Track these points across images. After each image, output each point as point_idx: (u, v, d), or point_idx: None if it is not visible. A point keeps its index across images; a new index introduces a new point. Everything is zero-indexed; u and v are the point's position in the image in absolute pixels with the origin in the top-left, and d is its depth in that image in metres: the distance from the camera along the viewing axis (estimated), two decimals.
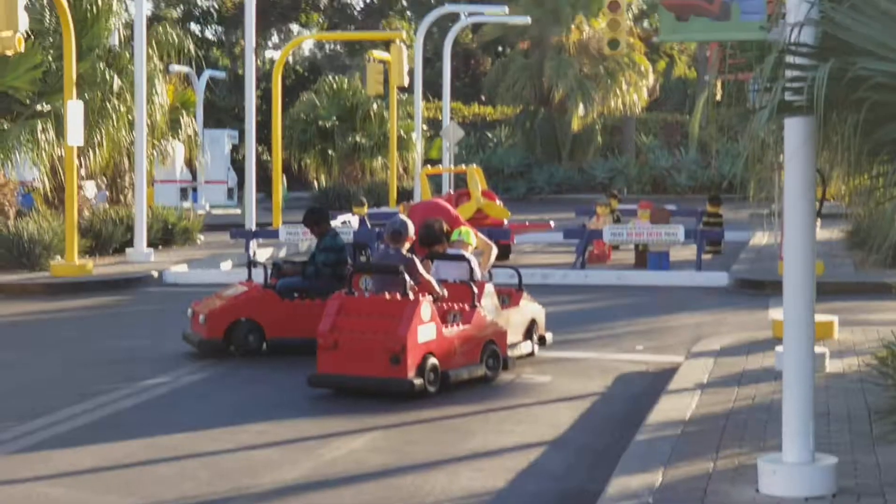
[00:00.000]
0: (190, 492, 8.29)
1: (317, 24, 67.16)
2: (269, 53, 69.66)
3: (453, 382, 11.58)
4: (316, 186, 46.35)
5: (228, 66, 63.64)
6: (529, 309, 13.43)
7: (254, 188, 27.48)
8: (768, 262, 21.65)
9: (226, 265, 23.70)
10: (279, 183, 30.33)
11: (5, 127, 23.08)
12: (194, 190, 44.72)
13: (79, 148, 22.59)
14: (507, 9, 44.81)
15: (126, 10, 28.72)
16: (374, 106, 44.17)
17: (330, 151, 44.70)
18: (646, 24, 59.07)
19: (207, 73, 48.04)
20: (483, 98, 60.38)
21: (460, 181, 36.19)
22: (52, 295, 19.68)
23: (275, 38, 70.48)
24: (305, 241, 24.77)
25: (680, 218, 26.19)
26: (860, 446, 8.53)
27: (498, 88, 53.89)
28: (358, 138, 43.89)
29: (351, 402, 11.25)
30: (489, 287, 12.67)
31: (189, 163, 39.90)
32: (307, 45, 75.41)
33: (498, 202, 26.07)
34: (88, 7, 25.86)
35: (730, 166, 48.77)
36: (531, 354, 13.18)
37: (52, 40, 25.24)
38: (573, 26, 52.14)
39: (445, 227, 13.11)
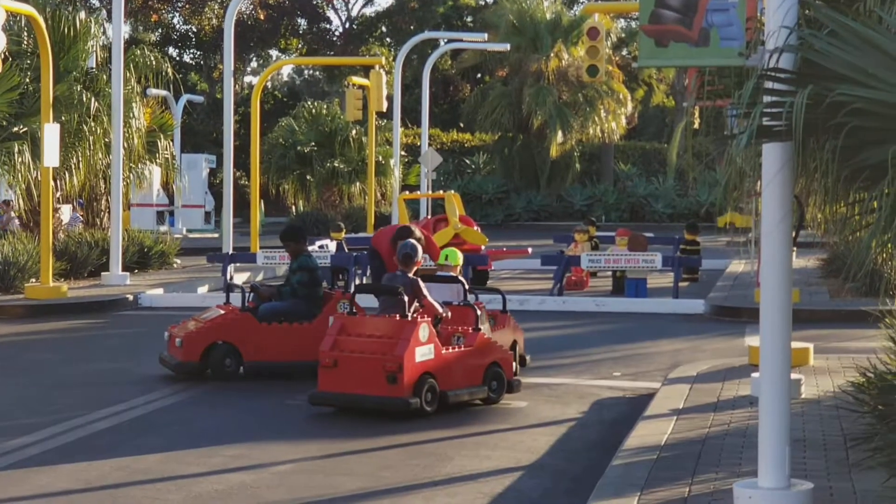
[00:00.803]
0: None
1: (296, 49, 67.22)
2: (247, 78, 69.72)
3: (452, 403, 11.67)
4: (294, 211, 46.30)
5: (207, 91, 63.66)
6: (512, 330, 13.53)
7: (231, 212, 27.42)
8: (745, 289, 21.69)
9: (202, 289, 23.63)
10: (256, 207, 30.29)
11: None
12: (171, 214, 44.62)
13: (55, 170, 22.52)
14: (486, 36, 44.94)
15: (104, 32, 28.68)
16: (353, 132, 44.16)
17: (308, 176, 44.64)
18: (625, 52, 59.30)
19: (185, 97, 48.00)
20: (461, 124, 60.47)
21: (438, 207, 36.20)
22: (26, 317, 19.59)
23: (253, 63, 70.58)
24: (283, 265, 24.72)
25: (657, 245, 26.23)
26: (836, 472, 8.52)
27: (476, 115, 53.98)
28: (336, 164, 43.85)
29: (326, 426, 11.22)
30: (484, 309, 12.81)
31: (166, 186, 39.79)
32: (286, 71, 75.57)
33: (476, 228, 26.04)
34: (66, 29, 25.81)
35: (707, 194, 48.97)
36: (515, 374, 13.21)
37: (29, 62, 25.19)
38: (552, 54, 52.29)
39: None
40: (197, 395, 12.74)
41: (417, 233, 13.65)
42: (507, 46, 45.60)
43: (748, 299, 19.73)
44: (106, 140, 25.28)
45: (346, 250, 24.40)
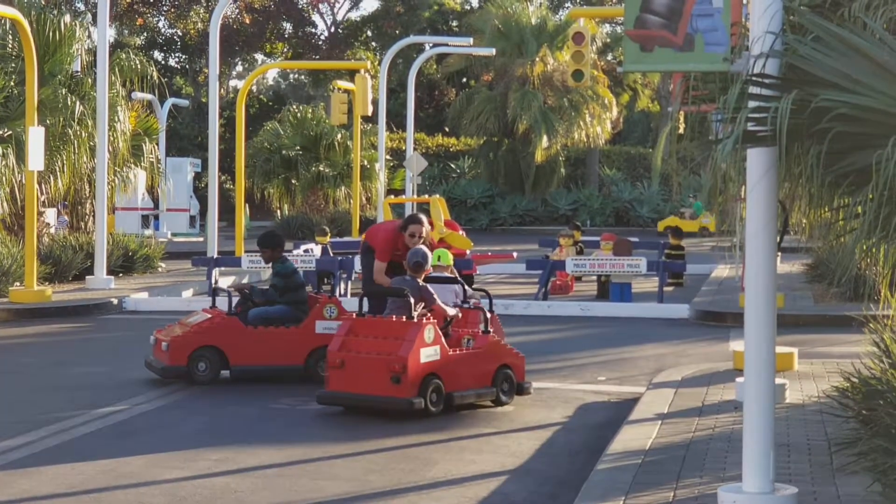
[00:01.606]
0: None
1: (281, 53, 67.20)
2: (233, 82, 69.65)
3: (459, 404, 11.80)
4: (279, 215, 46.27)
5: (192, 94, 63.58)
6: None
7: (216, 216, 27.39)
8: (730, 294, 21.74)
9: (187, 293, 23.60)
10: (242, 211, 30.26)
11: None
12: (156, 217, 44.55)
13: (39, 174, 22.48)
14: (471, 40, 45.02)
15: (89, 36, 28.63)
16: (338, 136, 44.16)
17: (293, 180, 44.63)
18: (610, 57, 59.37)
19: (170, 101, 47.96)
20: (447, 129, 60.49)
21: (423, 211, 36.14)
22: (10, 321, 19.54)
23: (239, 67, 70.49)
24: (268, 269, 24.69)
25: (642, 250, 26.26)
26: (820, 477, 8.54)
27: (462, 119, 54.01)
28: (321, 168, 43.85)
29: (311, 429, 11.21)
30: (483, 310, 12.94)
31: (151, 190, 39.73)
32: (271, 75, 75.47)
33: (461, 232, 26.04)
34: (51, 33, 25.75)
35: (692, 199, 49.04)
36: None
37: (14, 65, 25.13)
38: (537, 58, 52.35)
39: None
40: (181, 398, 12.73)
41: (426, 221, 13.76)
42: (493, 51, 45.68)
43: (733, 304, 19.77)
44: (91, 144, 25.23)
45: (332, 254, 24.39)
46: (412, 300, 11.89)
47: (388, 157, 44.42)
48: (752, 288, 7.61)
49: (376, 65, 52.83)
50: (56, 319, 19.73)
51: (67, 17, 26.61)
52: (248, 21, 63.75)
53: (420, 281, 12.42)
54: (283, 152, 44.35)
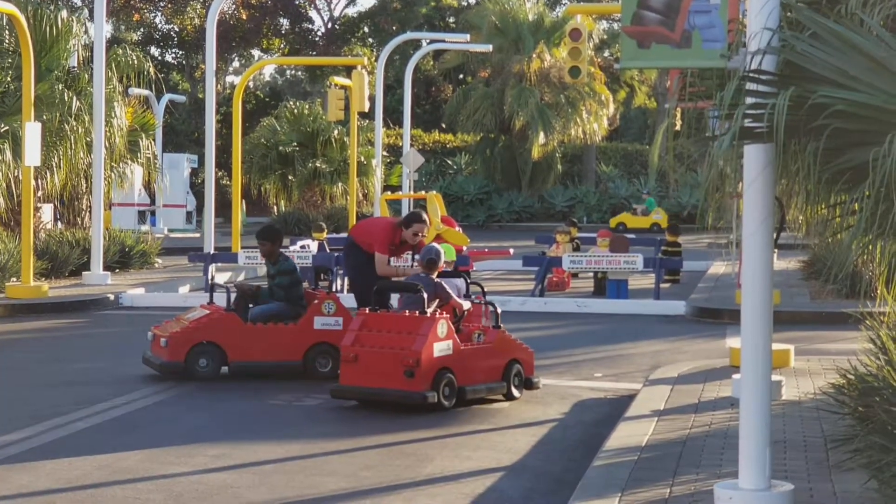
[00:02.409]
0: None
1: (278, 49, 67.16)
2: (229, 78, 69.60)
3: (470, 398, 11.94)
4: (275, 211, 46.25)
5: (189, 90, 63.55)
6: None
7: (213, 212, 27.39)
8: (726, 290, 21.74)
9: (184, 289, 23.59)
10: (238, 207, 30.25)
11: None
12: (152, 213, 44.54)
13: (36, 169, 22.46)
14: (468, 37, 44.93)
15: (86, 31, 28.59)
16: (335, 132, 44.14)
17: (290, 177, 44.61)
18: (607, 53, 59.38)
19: (167, 97, 47.92)
20: (443, 125, 60.49)
21: (420, 208, 36.13)
22: (6, 317, 19.52)
23: (236, 63, 70.50)
24: (263, 265, 24.69)
25: (639, 247, 26.27)
26: (816, 474, 8.55)
27: (458, 116, 53.99)
28: (318, 164, 43.83)
29: (308, 426, 11.22)
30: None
31: (147, 186, 39.73)
32: (268, 71, 75.46)
33: (457, 229, 26.03)
34: (48, 28, 25.72)
35: (689, 196, 49.09)
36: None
37: (10, 61, 25.10)
38: (534, 55, 52.33)
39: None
40: (178, 394, 12.72)
41: (425, 216, 13.86)
42: (490, 47, 45.63)
43: (729, 301, 19.78)
44: (87, 139, 25.21)
45: (328, 250, 24.38)
46: (425, 296, 11.98)
47: (384, 153, 44.41)
48: (748, 284, 7.62)
49: (373, 61, 52.84)
50: (52, 315, 19.72)
51: (64, 13, 26.57)
52: (244, 17, 63.72)
53: (434, 277, 12.52)
54: (280, 148, 44.33)
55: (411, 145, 43.93)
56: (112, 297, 21.38)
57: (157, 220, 43.98)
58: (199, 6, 62.20)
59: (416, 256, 13.87)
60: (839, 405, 9.39)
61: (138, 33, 65.51)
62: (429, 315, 11.88)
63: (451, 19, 66.14)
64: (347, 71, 44.46)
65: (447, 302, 12.29)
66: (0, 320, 19.16)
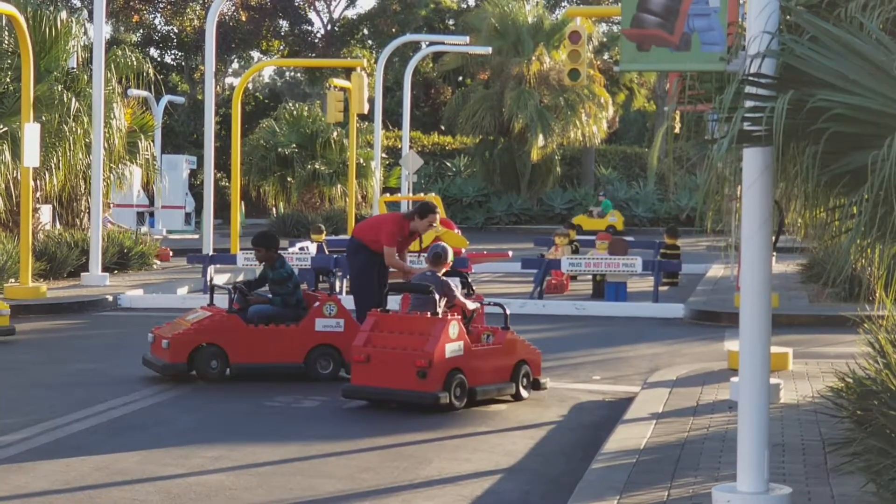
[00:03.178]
0: None
1: (277, 51, 67.17)
2: (229, 79, 69.65)
3: (481, 399, 12.04)
4: (274, 213, 46.25)
5: (188, 92, 63.55)
6: None
7: (211, 214, 27.39)
8: (725, 293, 21.75)
9: (182, 290, 23.59)
10: (237, 209, 30.24)
11: None
12: (151, 215, 44.53)
13: (35, 170, 22.45)
14: (468, 39, 44.98)
15: (85, 32, 28.58)
16: (334, 134, 44.15)
17: (289, 178, 44.62)
18: (606, 56, 59.40)
19: (166, 98, 47.92)
20: (442, 127, 60.50)
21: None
22: None
23: (235, 65, 70.53)
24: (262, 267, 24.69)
25: (638, 249, 26.26)
26: (814, 477, 8.55)
27: (458, 118, 54.00)
28: (317, 166, 43.83)
29: (306, 428, 11.21)
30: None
31: (146, 187, 39.75)
32: (267, 72, 75.52)
33: (456, 231, 26.10)
34: (47, 29, 25.70)
35: (688, 199, 49.11)
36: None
37: (10, 62, 25.08)
38: (534, 57, 52.34)
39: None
40: (176, 396, 12.72)
41: (438, 209, 14.10)
42: (489, 49, 45.67)
43: (728, 304, 19.78)
44: (86, 140, 25.20)
45: (327, 252, 24.37)
46: (437, 297, 12.07)
47: (383, 155, 44.42)
48: (747, 288, 7.61)
49: (372, 63, 52.86)
50: (51, 316, 19.71)
51: (63, 14, 26.55)
52: (244, 18, 63.73)
53: (440, 275, 12.59)
54: (279, 150, 44.34)
55: (410, 147, 43.94)
56: (110, 298, 21.37)
57: (156, 222, 43.97)
58: (198, 7, 62.21)
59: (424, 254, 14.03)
60: (837, 408, 9.39)
61: (138, 34, 65.49)
62: (440, 316, 11.96)
63: (451, 21, 66.16)
64: (347, 73, 44.52)
65: (453, 301, 12.37)
66: None
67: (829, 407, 9.68)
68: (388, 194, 40.70)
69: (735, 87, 7.07)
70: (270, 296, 14.09)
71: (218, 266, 24.89)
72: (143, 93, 36.17)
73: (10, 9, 21.76)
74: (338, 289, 21.94)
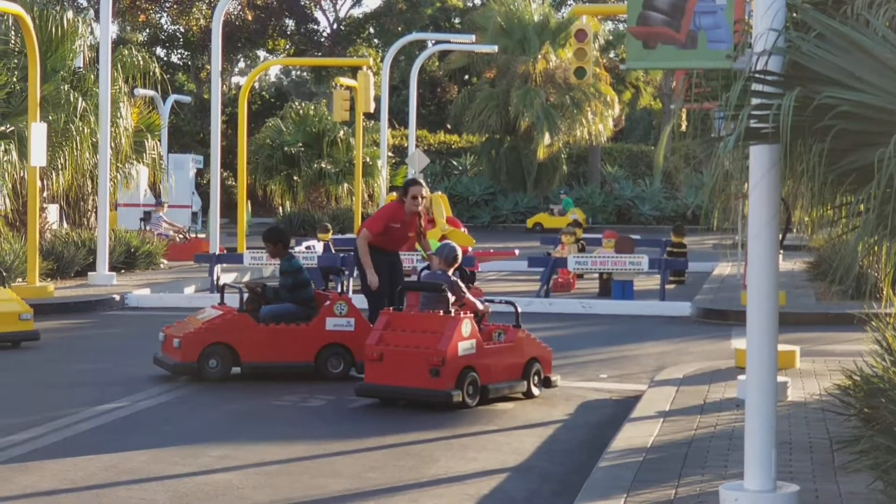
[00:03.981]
0: None
1: (284, 50, 67.18)
2: (235, 79, 69.69)
3: (493, 397, 12.09)
4: (280, 212, 46.27)
5: (194, 91, 63.59)
6: None
7: (218, 213, 27.39)
8: (731, 292, 21.73)
9: (189, 289, 23.60)
10: (243, 208, 30.25)
11: None
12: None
13: (42, 170, 22.47)
14: (473, 37, 44.96)
15: (92, 32, 28.64)
16: (340, 132, 44.15)
17: (295, 177, 44.63)
18: (612, 54, 59.37)
19: (173, 98, 47.94)
20: (449, 126, 60.50)
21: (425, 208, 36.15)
22: None
23: (241, 64, 70.54)
24: (269, 265, 24.73)
25: (644, 248, 26.26)
26: (822, 475, 8.54)
27: (464, 116, 54.01)
28: (323, 164, 43.84)
29: (313, 427, 11.21)
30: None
31: (153, 186, 39.74)
32: (274, 71, 75.51)
33: (462, 229, 26.09)
34: (54, 29, 25.75)
35: (694, 197, 49.09)
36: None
37: (16, 62, 25.12)
38: (540, 56, 52.34)
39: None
40: (184, 395, 12.72)
41: (421, 180, 14.16)
42: (495, 48, 45.64)
43: (735, 302, 19.76)
44: (93, 140, 25.22)
45: (334, 251, 24.38)
46: (450, 296, 12.12)
47: (390, 153, 44.43)
48: (754, 286, 7.60)
49: (378, 62, 52.82)
50: (58, 316, 19.71)
51: (70, 14, 26.61)
52: (250, 18, 63.74)
53: (450, 274, 12.62)
54: (286, 149, 44.35)
55: (416, 146, 43.94)
56: (117, 297, 21.39)
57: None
58: (204, 7, 62.23)
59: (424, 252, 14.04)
60: (845, 406, 9.38)
61: (144, 34, 65.53)
62: (453, 314, 11.99)
63: (457, 20, 66.15)
64: (353, 72, 44.55)
65: (462, 300, 12.40)
66: None
67: (837, 405, 9.68)
68: (394, 193, 40.69)
69: (742, 84, 7.06)
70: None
71: (225, 265, 24.90)
72: (150, 92, 36.20)
73: (17, 8, 21.79)
74: (342, 288, 21.89)
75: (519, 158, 53.49)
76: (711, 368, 13.70)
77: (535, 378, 12.60)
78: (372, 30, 69.51)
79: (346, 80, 39.07)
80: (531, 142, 51.80)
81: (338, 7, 69.23)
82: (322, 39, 67.72)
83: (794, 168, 7.41)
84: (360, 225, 33.26)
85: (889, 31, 6.72)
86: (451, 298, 12.21)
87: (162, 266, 27.64)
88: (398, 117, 54.40)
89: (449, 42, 47.51)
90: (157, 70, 28.52)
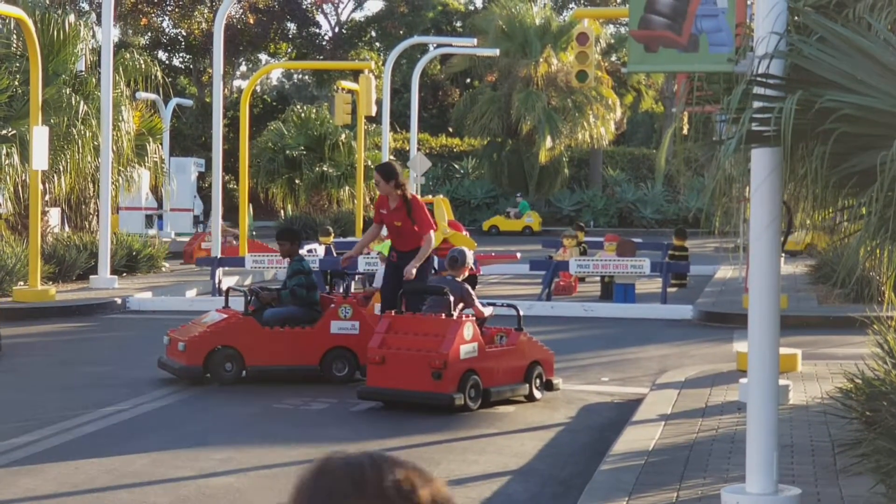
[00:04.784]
0: None
1: (285, 53, 67.21)
2: (237, 82, 69.69)
3: (495, 400, 12.11)
4: (282, 215, 46.27)
5: (196, 94, 63.59)
6: None
7: (220, 216, 27.39)
8: (733, 295, 21.72)
9: (191, 293, 23.60)
10: (245, 211, 30.25)
11: None
12: (160, 217, 44.54)
13: (43, 173, 22.48)
14: (475, 41, 44.97)
15: (93, 36, 28.64)
16: (342, 136, 44.17)
17: (297, 181, 44.64)
18: (614, 57, 59.37)
19: (174, 101, 47.96)
20: (450, 129, 60.50)
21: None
22: (14, 320, 19.48)
23: (243, 67, 70.55)
24: (271, 269, 24.72)
25: (646, 251, 26.26)
26: (823, 478, 8.54)
27: (465, 120, 54.03)
28: (325, 168, 43.86)
29: (313, 430, 11.21)
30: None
31: (155, 190, 39.77)
32: (275, 75, 75.49)
33: (464, 233, 26.10)
34: (56, 32, 25.77)
35: (696, 200, 49.07)
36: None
37: (18, 65, 25.13)
38: (541, 59, 52.35)
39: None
40: (185, 398, 12.72)
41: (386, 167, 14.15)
42: (497, 51, 45.66)
43: (736, 305, 19.75)
44: (95, 143, 25.24)
45: (335, 254, 24.37)
46: (452, 298, 12.09)
47: (391, 157, 44.36)
48: (755, 289, 7.60)
49: (380, 65, 52.81)
50: (60, 319, 19.73)
51: (72, 17, 26.62)
52: (252, 21, 63.77)
53: (459, 280, 12.65)
54: (287, 152, 44.36)
55: (418, 149, 43.94)
56: (119, 300, 21.39)
57: (165, 224, 43.98)
58: (206, 10, 62.26)
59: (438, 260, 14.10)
60: (846, 409, 9.37)
61: (146, 37, 65.56)
62: (455, 318, 11.99)
63: (458, 23, 66.17)
64: (354, 75, 44.51)
65: (471, 308, 12.43)
66: (7, 324, 19.15)
67: (839, 408, 9.67)
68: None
69: (743, 87, 7.06)
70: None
71: (226, 268, 24.90)
72: (152, 96, 36.16)
73: (19, 12, 21.80)
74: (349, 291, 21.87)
75: (521, 162, 53.50)
76: (713, 371, 13.69)
77: (537, 381, 12.61)
78: (373, 33, 69.54)
79: (347, 84, 39.10)
80: (533, 145, 51.81)
81: (339, 11, 69.30)
82: (324, 43, 67.74)
83: (796, 171, 7.41)
84: (363, 232, 33.34)
85: (891, 35, 6.72)
86: (458, 305, 12.22)
87: (163, 269, 27.63)
88: (400, 121, 54.40)
89: (450, 45, 47.54)
90: (159, 73, 28.54)
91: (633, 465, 9.09)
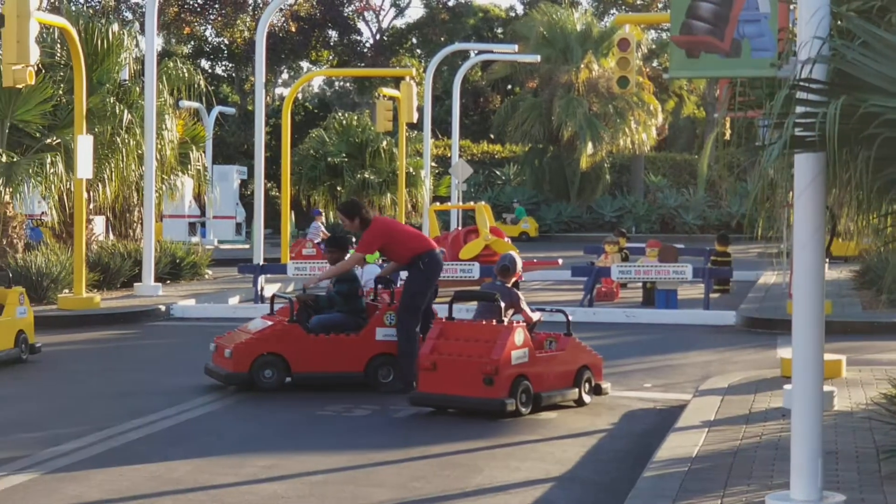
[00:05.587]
0: None
1: (327, 60, 67.41)
2: (278, 90, 69.93)
3: (545, 405, 12.16)
4: (322, 221, 46.38)
5: (238, 102, 63.87)
6: None
7: (262, 223, 27.51)
8: (777, 300, 21.62)
9: (233, 300, 23.70)
10: (287, 218, 30.36)
11: (15, 160, 23.12)
12: (203, 225, 44.78)
13: (88, 182, 22.64)
14: (516, 47, 44.93)
15: (137, 45, 28.84)
16: (384, 143, 44.22)
17: (338, 188, 44.72)
18: (655, 63, 59.21)
19: (217, 109, 48.21)
20: (492, 136, 60.49)
21: (468, 218, 36.20)
22: (59, 328, 19.65)
23: (285, 75, 70.76)
24: (313, 276, 24.77)
25: (688, 257, 26.18)
26: (868, 485, 8.48)
27: (507, 126, 53.99)
28: (367, 175, 43.92)
29: (357, 437, 11.23)
30: None
31: (198, 198, 39.98)
32: (317, 82, 75.70)
33: (506, 239, 26.08)
34: (99, 42, 25.94)
35: (738, 205, 48.84)
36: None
37: (62, 74, 25.31)
38: (582, 65, 52.26)
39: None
40: (229, 405, 12.78)
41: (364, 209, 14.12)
42: (538, 58, 45.61)
43: (780, 311, 19.65)
44: (139, 152, 25.41)
45: (380, 263, 24.37)
46: (503, 304, 12.14)
47: (433, 164, 44.46)
48: (799, 294, 7.57)
49: (421, 72, 52.91)
50: (104, 326, 19.86)
51: (115, 26, 26.79)
52: (293, 29, 63.97)
53: (509, 286, 12.73)
54: (329, 159, 44.46)
55: (460, 156, 43.95)
56: (163, 308, 21.51)
57: (208, 232, 44.21)
58: (248, 19, 62.52)
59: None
60: (891, 415, 9.32)
61: (189, 46, 65.91)
62: (506, 323, 12.03)
63: (499, 30, 66.17)
64: (396, 82, 44.61)
65: (520, 313, 12.50)
66: (52, 331, 19.29)
67: (883, 414, 9.62)
68: (437, 203, 40.75)
69: (786, 92, 7.04)
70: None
71: (268, 276, 24.98)
72: (195, 104, 36.40)
73: (63, 21, 21.98)
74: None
75: (562, 168, 53.43)
76: (757, 378, 13.63)
77: (587, 385, 12.66)
78: (415, 40, 69.64)
79: (389, 91, 39.15)
80: (574, 151, 51.72)
81: (381, 18, 69.45)
82: (365, 50, 67.88)
83: (840, 176, 7.38)
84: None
85: None
86: (508, 310, 12.27)
87: (207, 277, 27.77)
88: (441, 127, 54.44)
89: (491, 52, 47.53)
90: (202, 82, 28.70)
91: (676, 471, 9.06)
